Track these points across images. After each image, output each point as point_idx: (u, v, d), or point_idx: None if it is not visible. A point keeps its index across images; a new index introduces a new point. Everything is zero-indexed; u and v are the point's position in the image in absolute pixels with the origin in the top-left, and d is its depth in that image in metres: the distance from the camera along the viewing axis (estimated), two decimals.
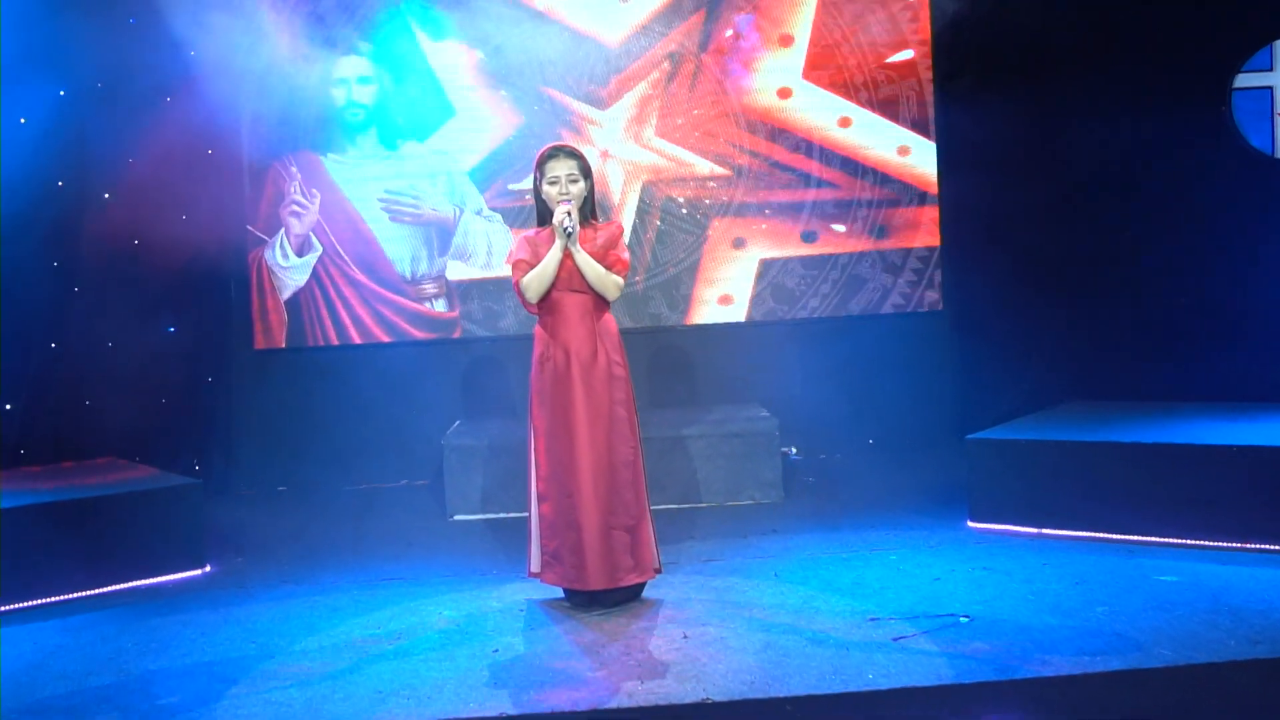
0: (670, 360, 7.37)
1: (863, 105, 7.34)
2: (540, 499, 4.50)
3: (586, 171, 4.53)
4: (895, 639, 3.96)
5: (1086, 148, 6.88)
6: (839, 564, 4.94)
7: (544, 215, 4.57)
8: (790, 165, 7.30)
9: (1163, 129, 6.66)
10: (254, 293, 7.27)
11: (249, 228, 7.25)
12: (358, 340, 7.29)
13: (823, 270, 7.35)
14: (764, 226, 7.34)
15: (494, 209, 7.27)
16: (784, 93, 7.32)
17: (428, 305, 7.29)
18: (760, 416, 6.48)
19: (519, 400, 7.17)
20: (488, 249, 7.27)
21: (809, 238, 7.33)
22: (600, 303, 4.52)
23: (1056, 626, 4.01)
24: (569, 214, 4.37)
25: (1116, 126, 6.67)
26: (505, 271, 7.21)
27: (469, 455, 6.23)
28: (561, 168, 4.46)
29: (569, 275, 4.46)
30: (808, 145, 7.33)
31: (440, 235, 7.27)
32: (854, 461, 7.23)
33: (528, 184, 7.13)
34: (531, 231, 4.58)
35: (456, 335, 7.31)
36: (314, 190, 7.24)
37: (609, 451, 4.39)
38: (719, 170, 7.32)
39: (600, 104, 7.27)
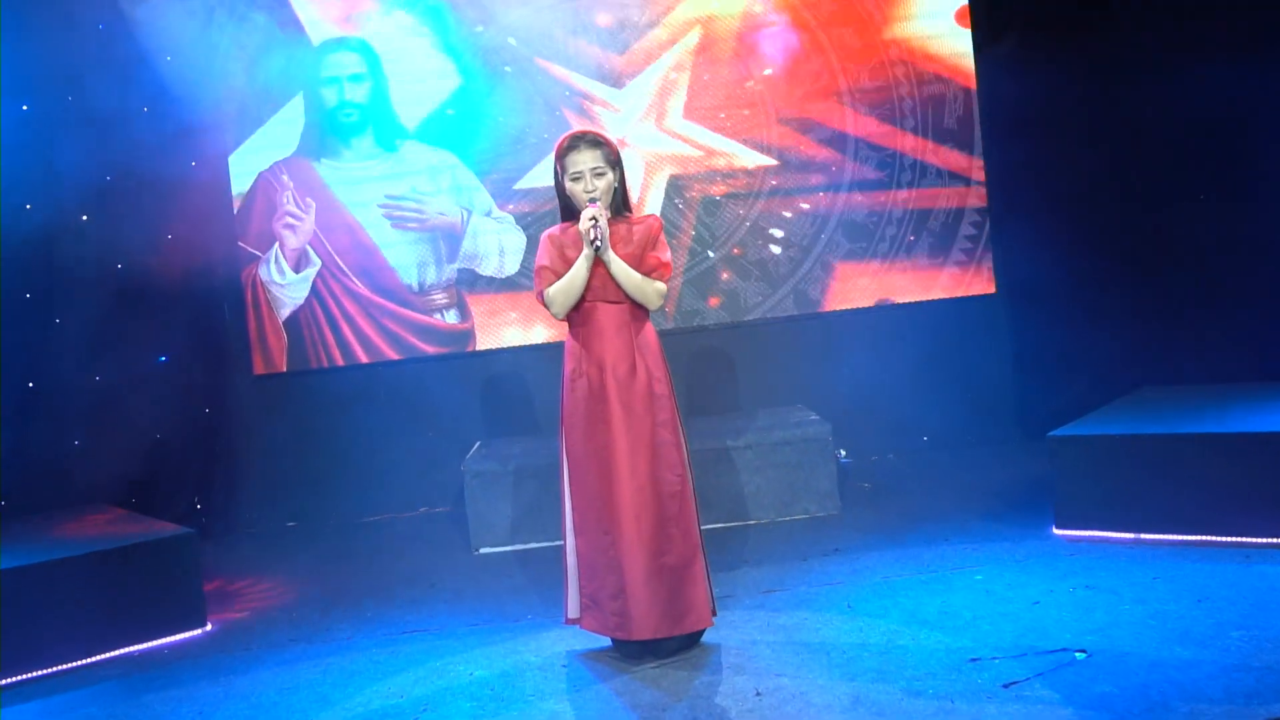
0: (706, 362, 6.78)
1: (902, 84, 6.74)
2: (576, 534, 3.93)
3: (614, 161, 3.96)
4: (1005, 685, 3.37)
5: (1153, 105, 6.24)
6: (919, 589, 4.36)
7: (569, 209, 4.00)
8: (820, 157, 6.71)
9: (1246, 81, 5.95)
10: (250, 314, 6.72)
11: (240, 244, 6.70)
12: (364, 359, 6.73)
13: (864, 255, 6.76)
14: (801, 213, 6.75)
15: (505, 211, 6.69)
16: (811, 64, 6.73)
17: (438, 317, 6.72)
18: (810, 421, 5.89)
19: (544, 417, 6.61)
20: (499, 252, 6.70)
21: (848, 226, 6.74)
22: (639, 312, 3.95)
23: (1192, 661, 3.42)
24: (595, 221, 3.79)
25: (1190, 80, 6.01)
26: (516, 271, 6.66)
27: (492, 482, 5.66)
28: (585, 160, 3.89)
29: (602, 284, 3.89)
30: (840, 136, 6.73)
31: (448, 241, 6.71)
32: (910, 463, 6.64)
33: (537, 180, 6.58)
34: (557, 229, 4.01)
35: (471, 348, 6.75)
36: (308, 199, 6.68)
37: (652, 482, 3.81)
38: (753, 157, 6.72)
39: (614, 81, 6.69)
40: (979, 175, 6.76)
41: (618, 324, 3.92)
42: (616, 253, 3.88)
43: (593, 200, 3.86)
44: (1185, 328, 6.33)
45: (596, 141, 3.93)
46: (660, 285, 3.93)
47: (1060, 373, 6.71)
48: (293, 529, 6.69)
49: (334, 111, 6.66)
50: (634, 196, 6.52)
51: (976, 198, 6.77)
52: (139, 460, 6.27)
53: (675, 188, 6.72)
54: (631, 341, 3.92)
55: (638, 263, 3.90)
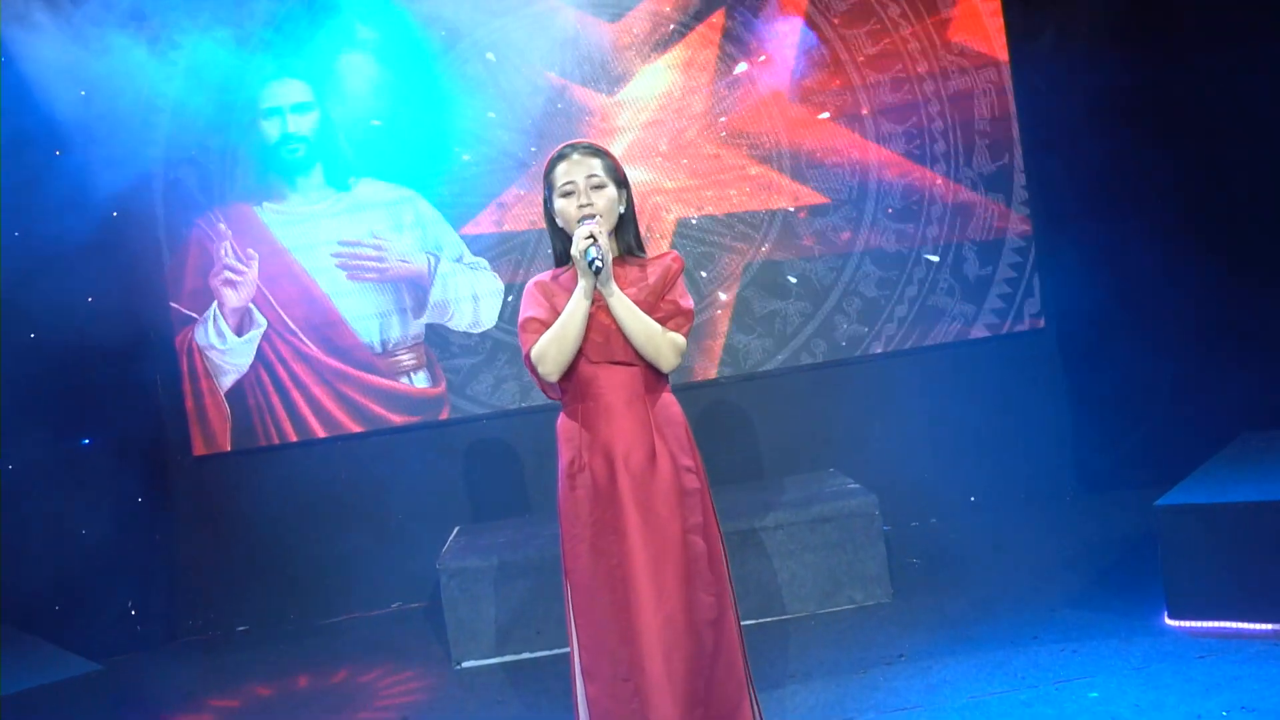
0: (716, 423, 5.85)
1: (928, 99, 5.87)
2: (586, 679, 2.99)
3: (618, 177, 3.09)
4: None
5: (1227, 95, 5.38)
6: (1020, 713, 3.43)
7: (562, 251, 3.11)
8: (839, 184, 5.83)
9: None
10: (186, 385, 5.77)
11: (173, 304, 5.76)
12: (321, 434, 5.79)
13: (894, 291, 5.86)
14: (821, 248, 5.85)
15: (478, 254, 5.78)
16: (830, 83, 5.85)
17: (405, 381, 5.79)
18: (850, 490, 4.97)
19: (535, 495, 5.69)
20: (473, 300, 5.77)
21: (876, 256, 5.85)
22: (655, 377, 3.06)
23: None
24: (594, 238, 2.92)
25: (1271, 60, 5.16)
26: (495, 325, 5.74)
27: (474, 581, 4.71)
28: (578, 170, 3.03)
29: (604, 338, 2.99)
30: (861, 163, 5.84)
31: (413, 291, 5.78)
32: (958, 528, 5.71)
33: (518, 221, 5.68)
34: (546, 275, 3.13)
35: (445, 416, 5.81)
36: (250, 250, 5.75)
37: (685, 609, 2.89)
38: (764, 189, 5.84)
39: (605, 85, 5.79)
40: (1020, 191, 5.88)
41: (628, 395, 3.02)
42: (624, 293, 3.01)
43: (588, 218, 2.99)
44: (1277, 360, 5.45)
45: (594, 149, 3.07)
46: (678, 338, 3.04)
47: (1121, 418, 5.84)
48: (244, 634, 5.72)
49: (276, 147, 5.75)
50: None
51: (1019, 220, 5.89)
52: (61, 561, 5.34)
53: (657, 222, 5.81)
54: (647, 417, 3.02)
55: (651, 308, 3.01)
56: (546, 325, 3.01)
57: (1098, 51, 5.61)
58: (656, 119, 5.79)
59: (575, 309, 2.97)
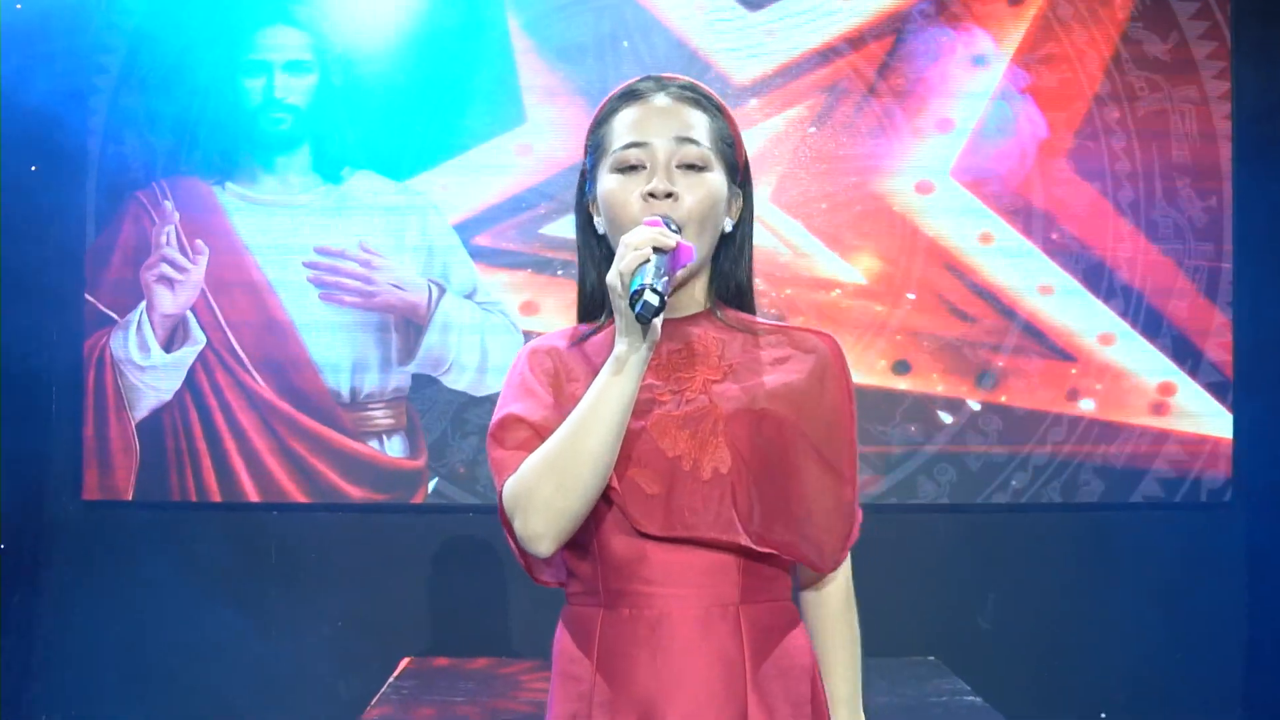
0: None
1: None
2: None
3: (733, 157, 1.69)
4: None
5: None
6: None
7: (596, 283, 1.72)
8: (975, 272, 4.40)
9: None
10: (89, 405, 4.40)
11: (88, 297, 4.40)
12: (253, 497, 4.39)
13: (1016, 430, 4.42)
14: (922, 356, 4.42)
15: (498, 294, 4.39)
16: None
17: (375, 445, 4.37)
18: (961, 698, 3.57)
19: (517, 627, 4.27)
20: (480, 355, 4.36)
21: (985, 380, 4.41)
22: (768, 573, 1.66)
23: None
24: (657, 250, 1.50)
25: None
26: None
27: None
28: (660, 124, 1.63)
29: (671, 487, 1.60)
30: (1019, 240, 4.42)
31: (403, 328, 4.38)
32: None
33: (558, 245, 4.30)
34: (558, 337, 1.72)
35: (420, 499, 4.39)
36: (199, 243, 4.38)
37: None
38: (855, 271, 4.41)
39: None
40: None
41: (706, 604, 1.60)
42: (721, 407, 1.61)
43: (660, 218, 1.56)
44: None
45: (695, 92, 1.67)
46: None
47: None
48: None
49: (256, 113, 4.38)
50: None
51: (1218, 346, 4.44)
52: None
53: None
54: (740, 656, 1.60)
55: (791, 471, 1.62)
56: (540, 434, 1.56)
57: None
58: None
59: (603, 399, 1.51)
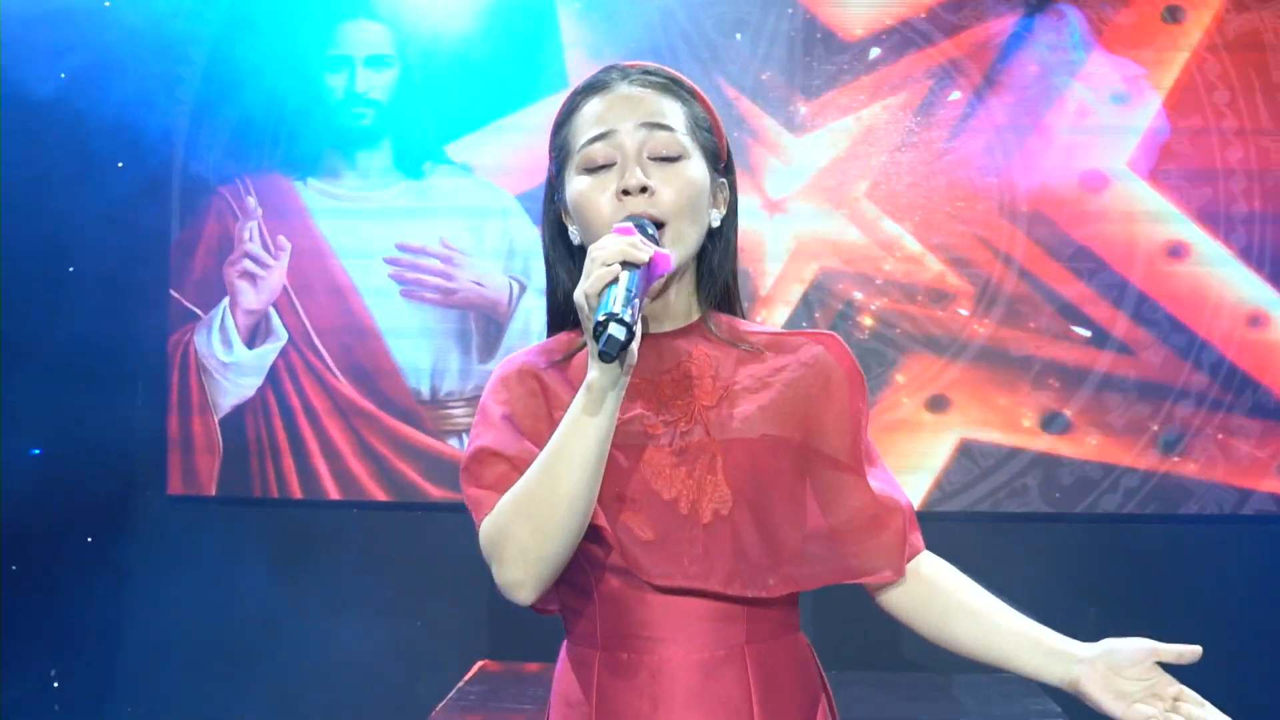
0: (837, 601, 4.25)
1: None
2: None
3: (712, 144, 1.55)
4: None
5: None
6: None
7: (566, 298, 1.57)
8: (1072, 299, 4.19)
9: None
10: (173, 401, 4.41)
11: (173, 293, 4.40)
12: (335, 495, 4.36)
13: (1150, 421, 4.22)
14: (988, 384, 4.21)
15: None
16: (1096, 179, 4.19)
17: (455, 444, 4.32)
18: (1051, 715, 3.39)
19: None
20: None
21: (1053, 424, 4.20)
22: (782, 609, 1.54)
23: None
24: (626, 264, 1.35)
25: None
26: None
27: None
28: (626, 112, 1.49)
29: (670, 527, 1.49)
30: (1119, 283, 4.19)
31: (484, 325, 4.31)
32: None
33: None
34: (535, 354, 1.59)
35: None
36: (282, 239, 4.36)
37: None
38: (953, 278, 4.22)
39: (794, 126, 4.22)
40: None
41: (711, 646, 1.49)
42: (718, 438, 1.50)
43: (632, 224, 1.42)
44: None
45: (665, 78, 1.54)
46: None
47: None
48: None
49: (338, 108, 4.35)
50: (763, 285, 4.10)
51: None
52: None
53: (822, 293, 4.19)
54: (747, 699, 1.48)
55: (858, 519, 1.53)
56: (517, 468, 1.44)
57: None
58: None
59: (577, 434, 1.37)
